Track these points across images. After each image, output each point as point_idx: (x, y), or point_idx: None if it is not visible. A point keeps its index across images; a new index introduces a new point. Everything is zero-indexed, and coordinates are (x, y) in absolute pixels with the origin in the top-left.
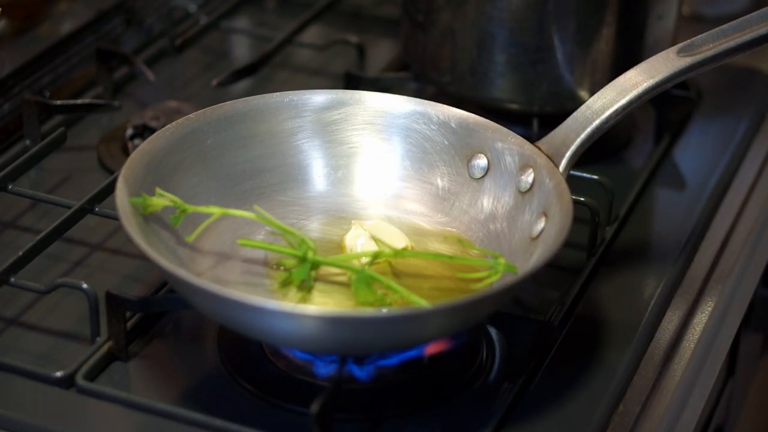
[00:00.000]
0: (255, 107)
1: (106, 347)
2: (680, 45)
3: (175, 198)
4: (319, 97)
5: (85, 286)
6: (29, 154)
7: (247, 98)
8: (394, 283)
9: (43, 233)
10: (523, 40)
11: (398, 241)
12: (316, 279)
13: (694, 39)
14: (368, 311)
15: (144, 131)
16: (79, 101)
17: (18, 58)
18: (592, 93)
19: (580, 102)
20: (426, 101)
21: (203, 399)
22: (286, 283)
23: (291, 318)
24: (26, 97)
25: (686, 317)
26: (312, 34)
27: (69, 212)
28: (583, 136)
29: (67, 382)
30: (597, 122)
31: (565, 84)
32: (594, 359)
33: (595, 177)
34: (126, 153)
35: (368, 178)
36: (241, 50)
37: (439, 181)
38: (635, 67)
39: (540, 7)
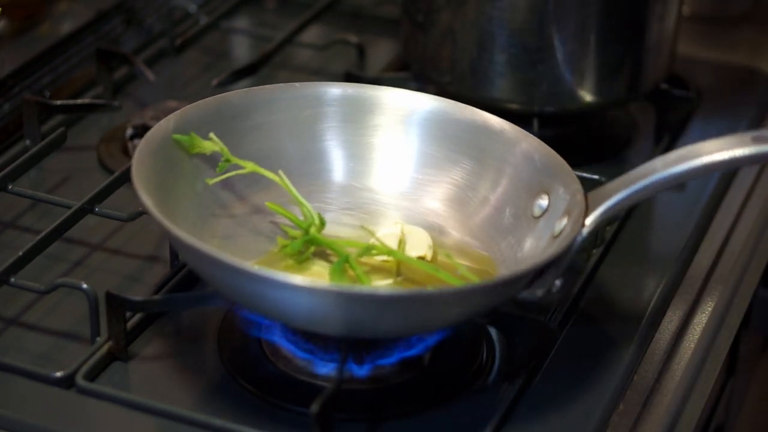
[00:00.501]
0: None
1: (106, 347)
2: (758, 132)
3: (224, 147)
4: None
5: (85, 286)
6: (29, 154)
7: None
8: (363, 275)
9: (43, 233)
10: (523, 40)
11: (418, 249)
12: (320, 254)
13: None
14: (347, 286)
15: (144, 131)
16: (79, 101)
17: (18, 58)
18: (592, 93)
19: (580, 102)
20: (523, 131)
21: (203, 399)
22: (285, 249)
23: (270, 284)
24: (26, 97)
25: (686, 317)
26: (312, 34)
27: (69, 212)
28: (622, 194)
29: (67, 383)
30: (643, 183)
31: (565, 84)
32: (594, 359)
33: (595, 177)
34: (126, 153)
35: (443, 194)
36: (241, 50)
37: (507, 210)
38: (709, 141)
39: (540, 7)
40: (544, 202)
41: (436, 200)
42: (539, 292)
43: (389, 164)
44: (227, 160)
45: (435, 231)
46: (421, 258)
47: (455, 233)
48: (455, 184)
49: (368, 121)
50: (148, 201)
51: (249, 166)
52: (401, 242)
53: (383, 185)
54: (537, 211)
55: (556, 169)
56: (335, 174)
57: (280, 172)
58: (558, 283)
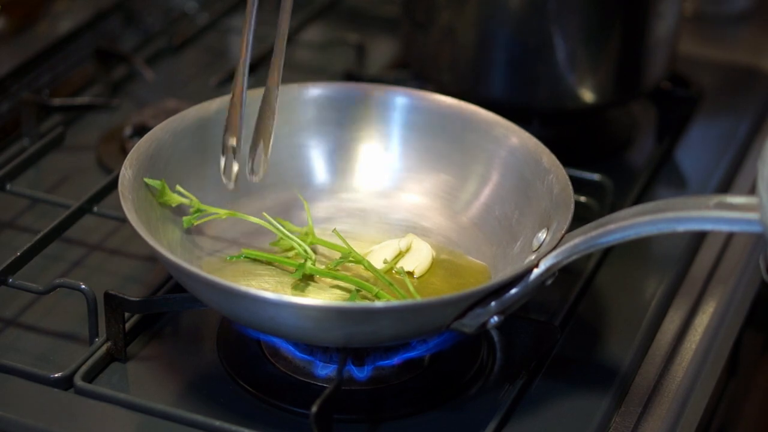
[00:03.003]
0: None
1: (104, 348)
2: (720, 198)
3: (193, 198)
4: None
5: (83, 286)
6: (27, 153)
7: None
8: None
9: (41, 233)
10: (523, 39)
11: (414, 264)
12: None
13: (741, 197)
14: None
15: (142, 131)
16: (77, 100)
17: (16, 57)
18: (592, 92)
19: (580, 102)
20: (512, 124)
21: (202, 400)
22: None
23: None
24: (24, 97)
25: (688, 317)
26: (312, 34)
27: (67, 212)
28: (579, 240)
29: (66, 383)
30: (601, 231)
31: (565, 83)
32: (595, 359)
33: (596, 177)
34: (125, 152)
35: (429, 190)
36: None
37: (520, 240)
38: (672, 199)
39: (540, 5)
40: (542, 235)
41: (421, 197)
42: (474, 325)
43: (373, 162)
44: (198, 210)
45: (419, 231)
46: (410, 274)
47: (440, 233)
48: (441, 180)
49: (350, 118)
50: (134, 218)
51: (222, 213)
52: (400, 254)
53: (366, 184)
54: (536, 245)
55: (565, 202)
56: (318, 174)
57: (264, 213)
58: (495, 319)
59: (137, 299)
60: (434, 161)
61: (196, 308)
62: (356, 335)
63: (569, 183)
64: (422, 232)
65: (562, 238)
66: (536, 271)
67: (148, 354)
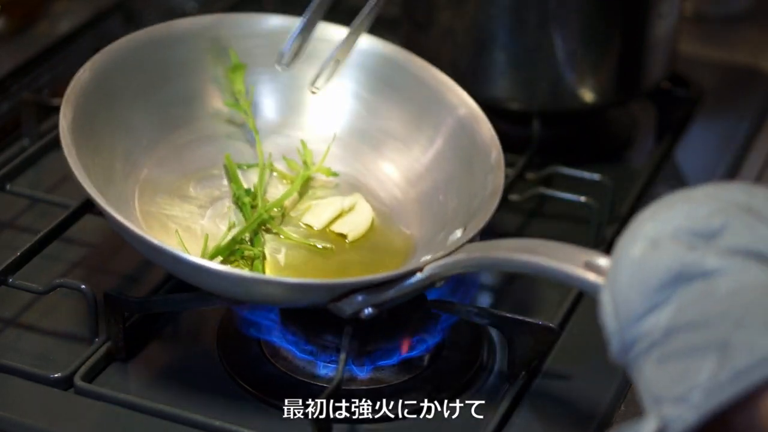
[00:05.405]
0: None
1: (104, 348)
2: (592, 258)
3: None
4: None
5: (83, 286)
6: (27, 153)
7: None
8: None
9: (41, 233)
10: (523, 39)
11: (350, 227)
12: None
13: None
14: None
15: None
16: None
17: (16, 57)
18: (592, 92)
19: (580, 101)
20: (501, 155)
21: (202, 400)
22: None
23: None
24: (25, 97)
25: None
26: None
27: (67, 212)
28: (463, 257)
29: (66, 383)
30: (478, 254)
31: (565, 83)
32: (595, 360)
33: (596, 177)
34: None
35: (376, 144)
36: None
37: (445, 230)
38: (554, 243)
39: (540, 5)
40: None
41: (368, 149)
42: (347, 311)
43: (323, 108)
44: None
45: (362, 190)
46: (343, 236)
47: (378, 193)
48: (391, 135)
49: (304, 59)
50: (86, 183)
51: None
52: (342, 213)
53: (317, 127)
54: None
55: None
56: (267, 110)
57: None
58: (369, 311)
59: (137, 299)
60: (388, 112)
61: (197, 308)
62: (254, 297)
63: (501, 190)
64: (365, 192)
65: (459, 247)
66: (418, 276)
67: (149, 354)
